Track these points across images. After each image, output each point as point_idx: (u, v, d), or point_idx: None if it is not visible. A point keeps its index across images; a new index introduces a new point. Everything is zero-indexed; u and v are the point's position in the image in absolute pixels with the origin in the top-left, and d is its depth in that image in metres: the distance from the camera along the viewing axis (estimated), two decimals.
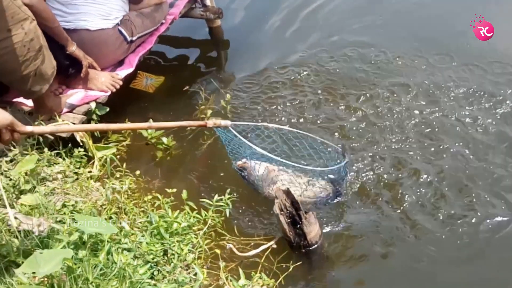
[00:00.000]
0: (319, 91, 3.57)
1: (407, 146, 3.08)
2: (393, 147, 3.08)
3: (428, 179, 2.86)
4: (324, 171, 2.74)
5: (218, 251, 2.45)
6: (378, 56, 3.86)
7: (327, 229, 2.64)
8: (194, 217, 2.49)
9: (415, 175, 2.90)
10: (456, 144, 3.06)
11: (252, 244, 2.58)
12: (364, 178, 2.89)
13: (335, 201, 2.76)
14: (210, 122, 2.43)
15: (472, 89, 3.43)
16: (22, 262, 1.97)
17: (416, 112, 3.31)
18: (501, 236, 2.57)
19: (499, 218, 2.64)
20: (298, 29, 4.30)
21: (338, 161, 2.73)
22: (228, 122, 2.50)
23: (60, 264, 1.74)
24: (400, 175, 2.90)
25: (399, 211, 2.72)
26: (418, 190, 2.81)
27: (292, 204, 2.56)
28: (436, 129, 3.18)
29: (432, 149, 3.05)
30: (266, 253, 2.50)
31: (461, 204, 2.73)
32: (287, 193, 2.60)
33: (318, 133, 3.16)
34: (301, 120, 3.34)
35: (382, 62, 3.80)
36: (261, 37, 4.25)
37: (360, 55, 3.88)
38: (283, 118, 3.35)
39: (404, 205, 2.74)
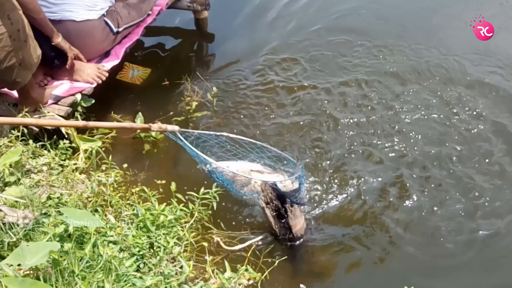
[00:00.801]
0: (304, 81, 3.60)
1: (394, 144, 3.10)
2: (377, 143, 3.11)
3: (419, 181, 2.88)
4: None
5: (205, 244, 2.46)
6: (359, 46, 3.89)
7: (313, 230, 2.66)
8: (181, 209, 2.49)
9: (405, 175, 2.91)
10: (446, 143, 3.09)
11: (239, 238, 2.59)
12: (348, 179, 2.90)
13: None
14: (155, 126, 2.32)
15: (461, 82, 3.49)
16: (7, 255, 1.96)
17: (404, 109, 3.33)
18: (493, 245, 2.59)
19: (491, 228, 2.66)
20: (282, 19, 4.31)
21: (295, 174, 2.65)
22: (175, 128, 2.39)
23: (46, 256, 1.74)
24: (387, 176, 2.91)
25: (385, 214, 2.74)
26: (407, 193, 2.83)
27: (278, 198, 2.58)
28: (425, 127, 3.20)
29: (422, 149, 3.06)
30: (252, 248, 2.51)
31: (454, 210, 2.74)
32: (273, 186, 2.62)
33: (302, 127, 3.22)
34: (289, 111, 3.37)
35: (364, 52, 3.84)
36: (246, 28, 4.24)
37: (341, 45, 3.92)
38: (267, 111, 3.38)
39: (390, 207, 2.77)
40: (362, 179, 2.89)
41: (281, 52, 3.91)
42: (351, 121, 3.26)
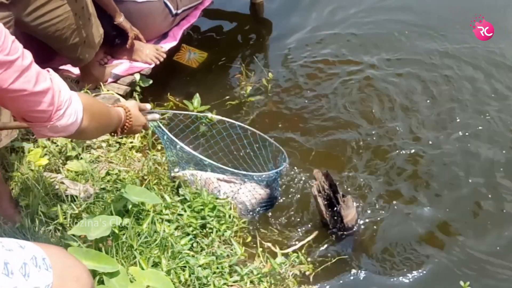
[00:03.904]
0: (360, 67, 3.54)
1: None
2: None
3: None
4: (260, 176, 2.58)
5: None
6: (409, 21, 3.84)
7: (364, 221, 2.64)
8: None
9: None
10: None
11: (289, 237, 2.57)
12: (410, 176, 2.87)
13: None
14: None
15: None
16: (69, 226, 2.04)
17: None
18: None
19: None
20: (341, 4, 4.19)
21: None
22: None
23: (110, 229, 1.80)
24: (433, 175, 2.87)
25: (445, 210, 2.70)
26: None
27: (330, 187, 2.57)
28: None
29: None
30: (304, 247, 2.48)
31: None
32: (326, 175, 2.60)
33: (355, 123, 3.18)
34: (345, 105, 3.31)
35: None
36: (303, 13, 4.14)
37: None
38: (322, 102, 3.32)
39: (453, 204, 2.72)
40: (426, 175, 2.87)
41: (343, 37, 3.82)
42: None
